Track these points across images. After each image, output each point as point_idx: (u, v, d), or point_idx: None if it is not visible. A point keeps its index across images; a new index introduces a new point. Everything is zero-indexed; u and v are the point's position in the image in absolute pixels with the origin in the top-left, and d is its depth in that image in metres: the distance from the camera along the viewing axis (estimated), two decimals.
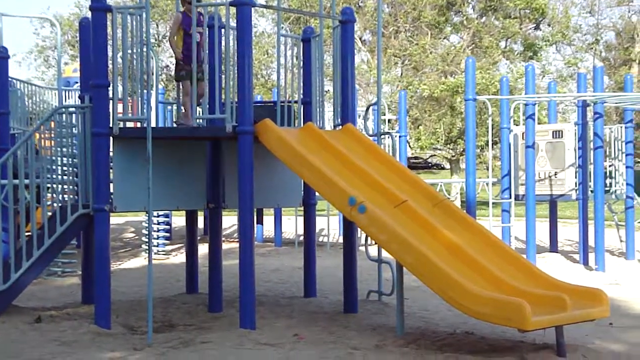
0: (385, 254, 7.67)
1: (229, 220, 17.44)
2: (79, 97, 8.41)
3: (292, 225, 16.36)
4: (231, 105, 7.42)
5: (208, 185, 8.33)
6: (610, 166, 13.48)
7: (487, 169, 14.31)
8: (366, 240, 8.69)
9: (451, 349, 6.45)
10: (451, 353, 6.28)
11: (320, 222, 15.08)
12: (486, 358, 6.15)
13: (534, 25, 29.78)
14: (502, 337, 6.80)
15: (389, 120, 19.41)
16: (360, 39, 30.38)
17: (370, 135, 9.36)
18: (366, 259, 8.75)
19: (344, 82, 8.40)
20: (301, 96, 8.55)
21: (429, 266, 6.43)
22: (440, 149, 30.32)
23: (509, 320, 6.01)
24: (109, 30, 7.51)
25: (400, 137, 15.75)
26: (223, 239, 9.24)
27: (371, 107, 12.25)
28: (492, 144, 21.02)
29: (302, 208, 9.25)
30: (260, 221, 16.49)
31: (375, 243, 7.86)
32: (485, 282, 6.61)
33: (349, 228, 8.36)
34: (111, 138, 7.50)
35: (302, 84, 8.62)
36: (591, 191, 12.34)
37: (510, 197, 13.25)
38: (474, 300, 6.14)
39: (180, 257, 13.03)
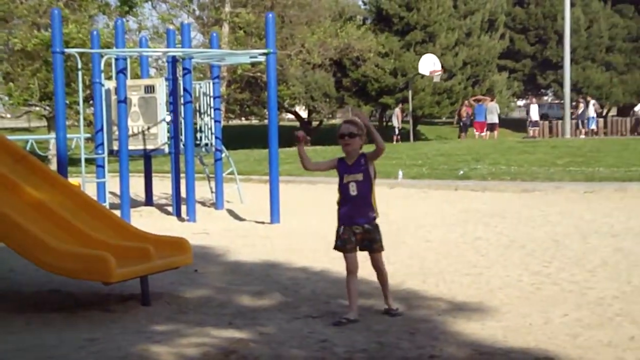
0: None
1: None
2: None
3: None
4: None
5: None
6: (200, 121, 13.97)
7: (86, 125, 14.07)
8: None
9: (34, 308, 6.26)
10: (34, 313, 6.10)
11: None
12: (71, 314, 6.06)
13: None
14: (89, 292, 6.74)
15: None
16: None
17: None
18: None
19: None
20: None
21: (8, 225, 6.14)
22: (36, 106, 29.02)
23: (94, 273, 5.99)
24: None
25: None
26: None
27: None
28: (88, 99, 20.66)
29: None
30: None
31: None
32: (72, 239, 6.51)
33: None
34: None
35: None
36: (183, 145, 12.70)
37: (104, 153, 13.12)
38: (56, 256, 6.01)
39: None
